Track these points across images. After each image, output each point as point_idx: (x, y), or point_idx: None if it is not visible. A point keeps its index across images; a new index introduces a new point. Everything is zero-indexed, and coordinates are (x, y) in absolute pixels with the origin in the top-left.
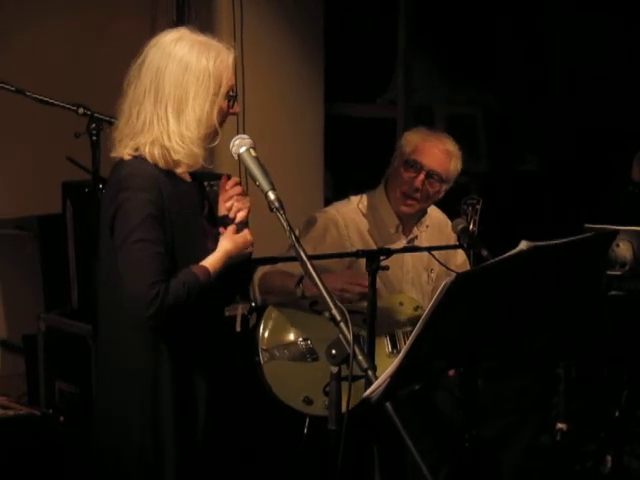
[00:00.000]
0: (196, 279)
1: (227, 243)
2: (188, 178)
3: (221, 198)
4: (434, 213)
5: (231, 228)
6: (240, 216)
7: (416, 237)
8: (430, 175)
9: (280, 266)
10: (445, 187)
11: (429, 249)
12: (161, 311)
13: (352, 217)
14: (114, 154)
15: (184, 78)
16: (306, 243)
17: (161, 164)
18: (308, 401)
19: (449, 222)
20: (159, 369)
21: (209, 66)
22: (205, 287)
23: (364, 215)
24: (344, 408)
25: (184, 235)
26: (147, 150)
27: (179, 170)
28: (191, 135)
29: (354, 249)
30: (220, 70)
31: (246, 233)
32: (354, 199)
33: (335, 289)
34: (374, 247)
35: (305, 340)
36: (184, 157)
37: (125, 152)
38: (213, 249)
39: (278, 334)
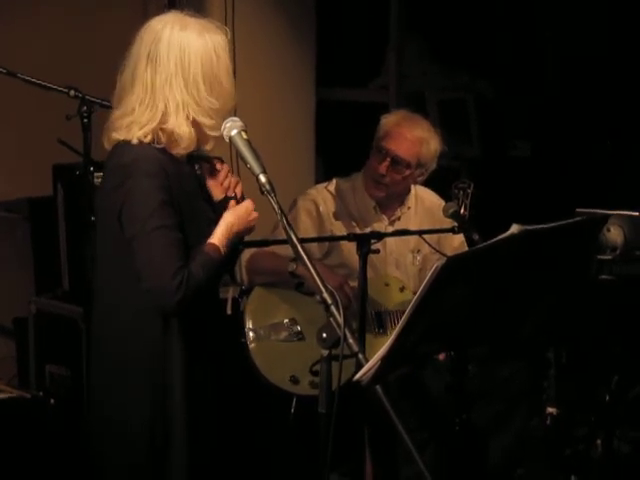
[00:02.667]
0: (210, 259)
1: (229, 215)
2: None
3: (214, 182)
4: (425, 195)
5: (232, 202)
6: (239, 190)
7: (399, 218)
8: (396, 162)
9: (269, 248)
10: (419, 171)
11: (420, 232)
12: (187, 297)
13: (331, 197)
14: (118, 136)
15: (209, 56)
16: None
17: (188, 144)
18: (294, 380)
19: (443, 204)
20: (167, 357)
21: (223, 43)
22: (218, 265)
23: (334, 197)
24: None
25: (189, 219)
26: (180, 130)
27: (208, 147)
28: (221, 108)
29: (334, 229)
30: (227, 47)
31: (247, 202)
32: (335, 181)
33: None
34: (355, 226)
35: (291, 320)
36: (216, 131)
37: (134, 135)
38: None
39: (264, 314)
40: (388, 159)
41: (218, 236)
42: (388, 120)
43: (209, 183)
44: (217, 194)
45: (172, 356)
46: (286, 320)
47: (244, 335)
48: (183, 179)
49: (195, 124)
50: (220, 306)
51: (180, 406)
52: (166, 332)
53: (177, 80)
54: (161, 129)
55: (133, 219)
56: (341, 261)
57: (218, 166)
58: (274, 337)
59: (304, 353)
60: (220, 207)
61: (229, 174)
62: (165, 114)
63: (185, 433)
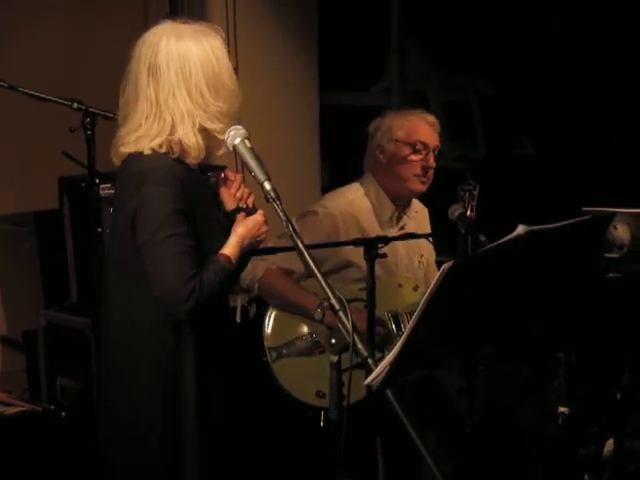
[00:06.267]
0: (223, 268)
1: (239, 227)
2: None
3: (227, 192)
4: (416, 201)
5: (241, 215)
6: (250, 201)
7: (405, 224)
8: (435, 151)
9: (278, 261)
10: None
11: (425, 236)
12: (198, 305)
13: (358, 206)
14: (127, 149)
15: (208, 59)
16: (304, 236)
17: (198, 153)
18: (321, 395)
19: (425, 209)
20: (180, 362)
21: (220, 44)
22: (230, 274)
23: (351, 213)
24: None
25: (203, 227)
26: (188, 140)
27: (219, 152)
28: (229, 110)
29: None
30: (224, 47)
31: (256, 215)
32: (351, 189)
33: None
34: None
35: (310, 334)
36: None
37: (146, 147)
38: None
39: (283, 331)
40: (431, 152)
41: (230, 247)
42: (399, 121)
43: (222, 193)
44: (229, 204)
45: (185, 362)
46: (305, 334)
47: (265, 354)
48: (197, 188)
49: (203, 131)
50: (229, 314)
51: (192, 410)
52: (179, 339)
53: (180, 90)
54: (171, 140)
55: (145, 226)
56: (358, 275)
57: (232, 176)
58: (295, 353)
59: (327, 366)
60: (231, 217)
61: (242, 185)
62: (173, 125)
63: (197, 436)
